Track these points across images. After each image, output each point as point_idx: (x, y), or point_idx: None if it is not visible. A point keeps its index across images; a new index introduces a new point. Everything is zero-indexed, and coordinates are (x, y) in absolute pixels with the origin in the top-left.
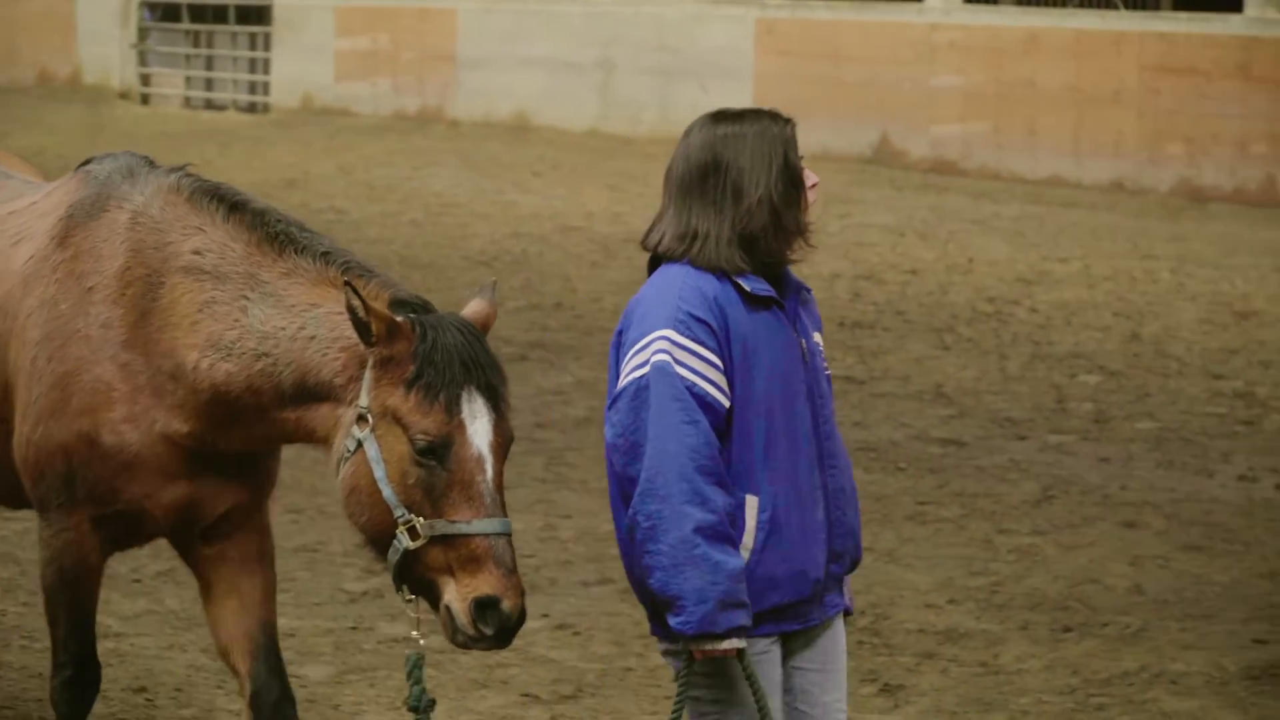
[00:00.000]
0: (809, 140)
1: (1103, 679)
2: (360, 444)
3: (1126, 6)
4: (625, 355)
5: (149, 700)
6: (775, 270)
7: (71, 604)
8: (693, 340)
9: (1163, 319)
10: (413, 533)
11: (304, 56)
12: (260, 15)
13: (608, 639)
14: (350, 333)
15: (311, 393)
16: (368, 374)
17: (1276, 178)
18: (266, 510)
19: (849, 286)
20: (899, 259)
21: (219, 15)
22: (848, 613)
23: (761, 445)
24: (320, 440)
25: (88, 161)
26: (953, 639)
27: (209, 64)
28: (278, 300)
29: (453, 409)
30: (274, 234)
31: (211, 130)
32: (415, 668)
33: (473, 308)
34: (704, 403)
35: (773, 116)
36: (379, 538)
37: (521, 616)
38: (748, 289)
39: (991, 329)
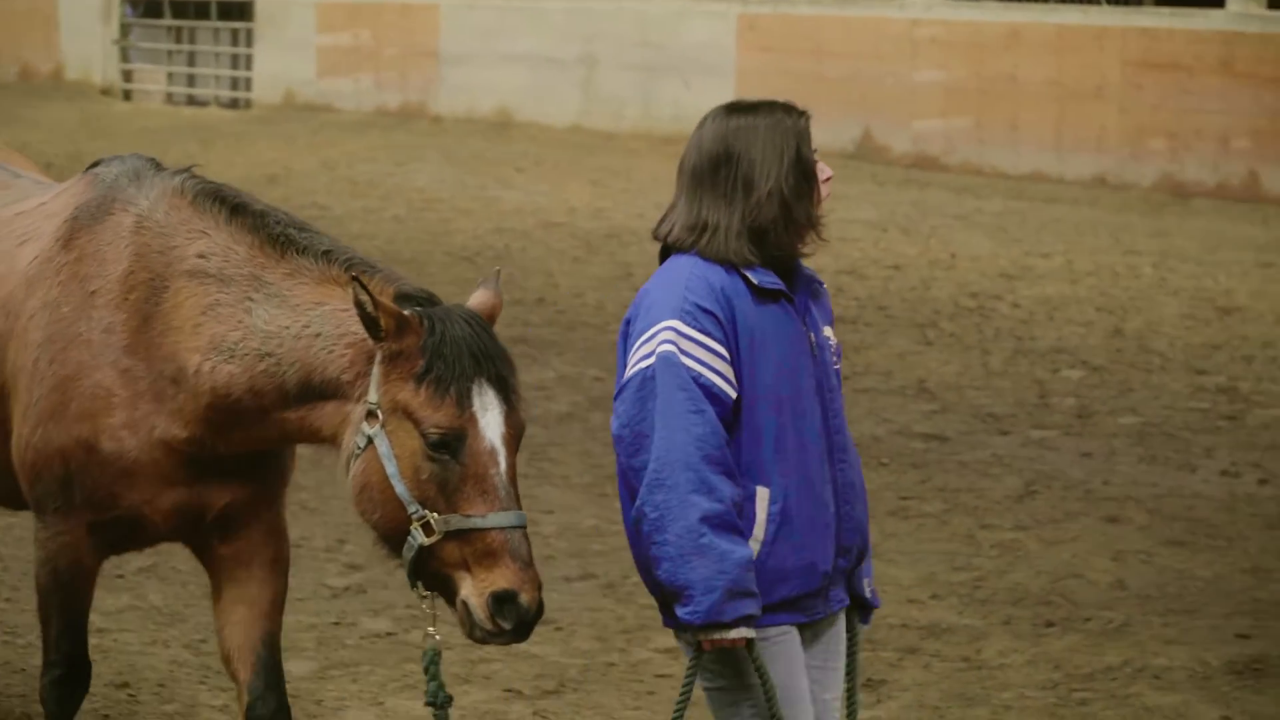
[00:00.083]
0: None
1: (1085, 674)
2: (370, 440)
3: (1109, 1)
4: (632, 345)
5: (131, 696)
6: (786, 263)
7: (64, 605)
8: (699, 331)
9: (1145, 314)
10: (427, 528)
11: (286, 52)
12: (242, 11)
13: (590, 634)
14: (356, 328)
15: (316, 391)
16: (376, 369)
17: (1259, 173)
18: (281, 511)
19: (831, 282)
20: (881, 254)
21: (201, 11)
22: (873, 607)
23: (772, 438)
24: (325, 439)
25: (96, 163)
26: (935, 634)
27: (191, 60)
28: (282, 300)
29: (464, 402)
30: (275, 236)
31: (193, 126)
32: (432, 663)
33: (478, 298)
34: (710, 393)
35: (786, 109)
36: (392, 534)
37: (540, 610)
38: (755, 282)
39: (974, 324)
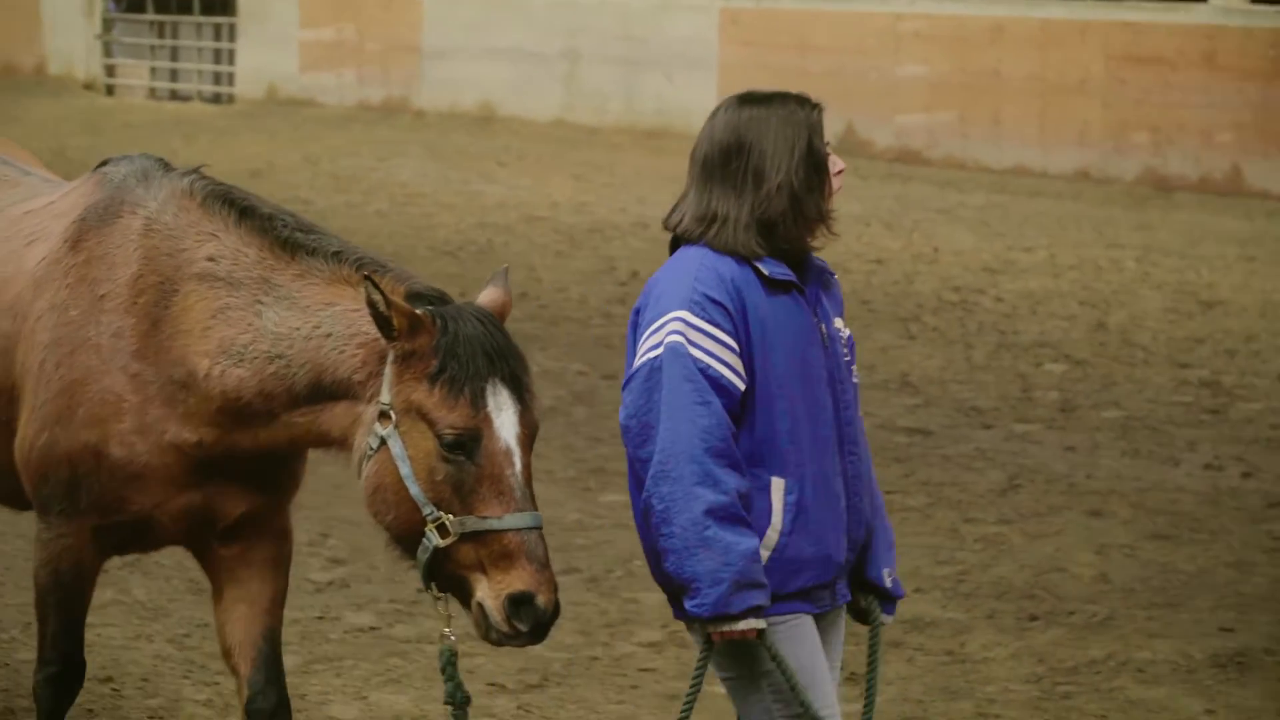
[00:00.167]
0: None
1: (1069, 667)
2: (384, 441)
3: None
4: (641, 335)
5: (115, 690)
6: (796, 255)
7: (63, 605)
8: (707, 322)
9: (1128, 308)
10: (442, 530)
11: (268, 47)
12: (225, 6)
13: (574, 628)
14: (368, 328)
15: (326, 391)
16: (388, 369)
17: (1242, 167)
18: (288, 512)
19: None
20: (864, 248)
21: (183, 6)
22: (896, 597)
23: (786, 428)
24: (334, 441)
25: (104, 163)
26: (919, 628)
27: (174, 55)
28: (292, 302)
29: (478, 402)
30: (284, 238)
31: (176, 121)
32: (449, 664)
33: (488, 296)
34: (718, 384)
35: (799, 100)
36: (406, 536)
37: (556, 611)
38: (766, 273)
39: (957, 318)
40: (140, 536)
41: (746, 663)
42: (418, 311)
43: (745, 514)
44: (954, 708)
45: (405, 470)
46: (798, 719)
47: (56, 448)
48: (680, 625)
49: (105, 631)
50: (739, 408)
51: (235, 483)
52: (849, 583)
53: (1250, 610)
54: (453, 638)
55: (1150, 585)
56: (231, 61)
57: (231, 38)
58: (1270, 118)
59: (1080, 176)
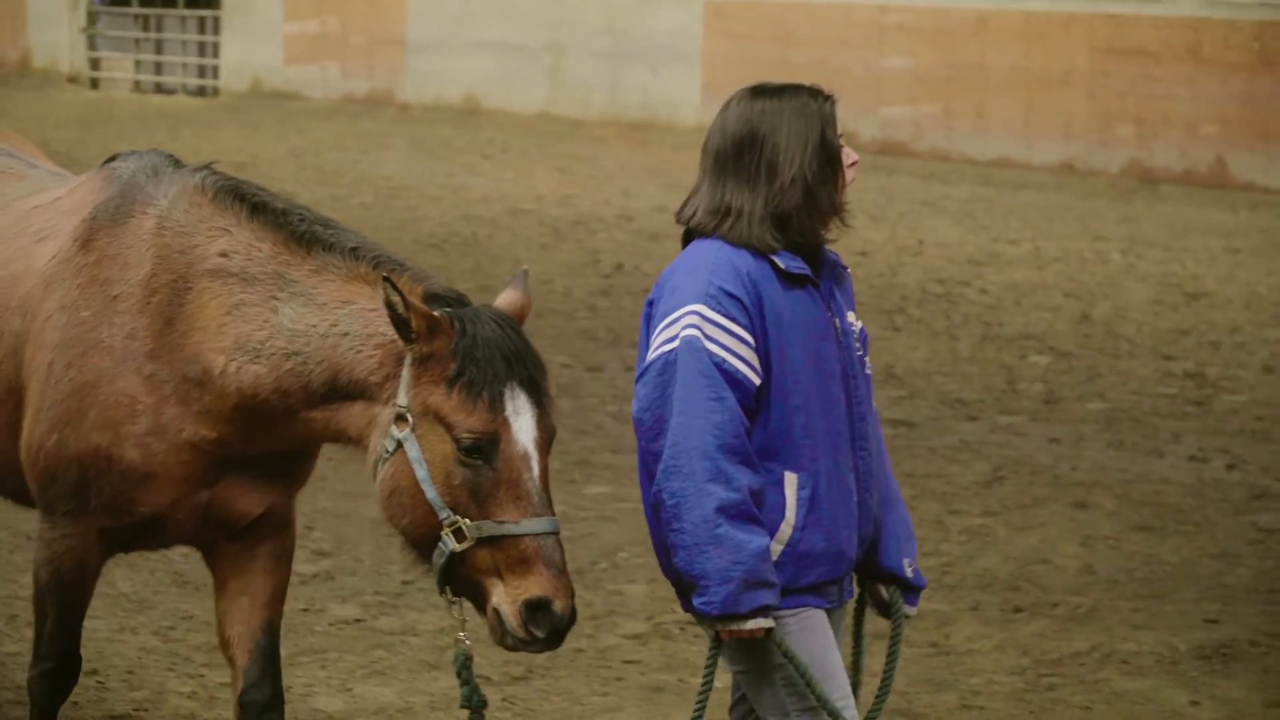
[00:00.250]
0: None
1: (1053, 659)
2: (400, 444)
3: None
4: (655, 328)
5: (100, 683)
6: (810, 248)
7: (63, 603)
8: (724, 316)
9: (1113, 300)
10: (459, 534)
11: (253, 40)
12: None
13: None
14: (385, 329)
15: (343, 391)
16: (406, 372)
17: (1226, 159)
18: (293, 505)
19: None
20: (849, 240)
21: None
22: (918, 587)
23: (801, 423)
24: (351, 440)
25: (113, 158)
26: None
27: (158, 48)
28: (308, 299)
29: (497, 406)
30: (299, 233)
31: (161, 114)
32: (464, 668)
33: (506, 298)
34: (733, 379)
35: (812, 92)
36: (422, 540)
37: (573, 617)
38: (783, 266)
39: (942, 310)
40: (149, 535)
41: (758, 657)
42: (436, 314)
43: (757, 511)
44: (938, 699)
45: (422, 474)
46: (812, 711)
47: (66, 449)
48: (665, 617)
49: (90, 624)
50: (754, 402)
51: (250, 478)
52: (862, 575)
53: (1235, 602)
54: (468, 642)
55: (1135, 577)
56: (216, 55)
57: (216, 31)
58: (1255, 110)
59: (1065, 169)
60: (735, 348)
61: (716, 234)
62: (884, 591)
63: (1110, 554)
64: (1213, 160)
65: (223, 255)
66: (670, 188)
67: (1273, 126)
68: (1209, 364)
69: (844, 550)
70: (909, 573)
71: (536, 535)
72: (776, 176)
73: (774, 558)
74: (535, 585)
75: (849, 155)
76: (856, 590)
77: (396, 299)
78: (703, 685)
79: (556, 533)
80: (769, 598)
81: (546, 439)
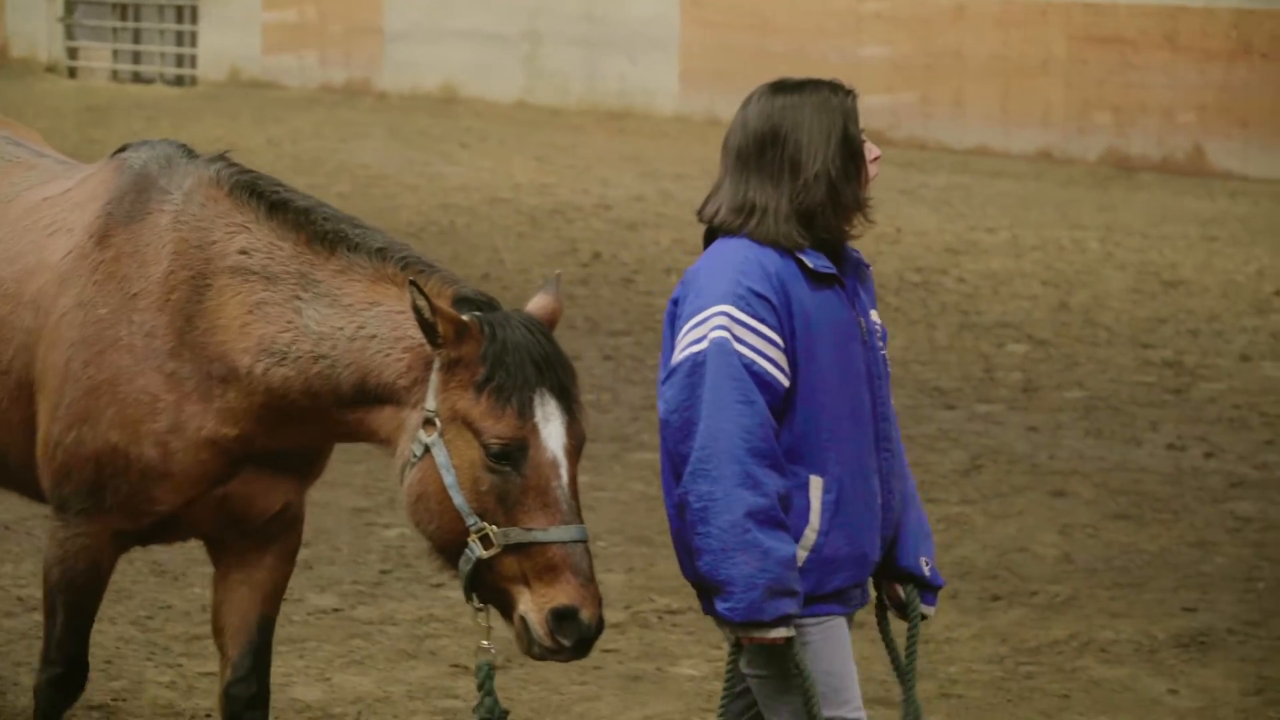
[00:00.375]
0: (732, 113)
1: (1032, 648)
2: (428, 449)
3: None
4: (680, 327)
5: None
6: (834, 245)
7: (73, 605)
8: (753, 317)
9: (1091, 288)
10: (486, 541)
11: (231, 29)
12: None
13: None
14: (413, 333)
15: (372, 395)
16: (434, 376)
17: (1204, 147)
18: (304, 500)
19: None
20: None
21: None
22: (936, 586)
23: (828, 425)
24: (381, 441)
25: (124, 148)
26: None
27: (136, 37)
28: (334, 300)
29: (526, 412)
30: (323, 232)
31: (139, 103)
32: (486, 678)
33: (538, 303)
34: (762, 381)
35: (833, 87)
36: (449, 546)
37: (600, 626)
38: (810, 265)
39: (919, 299)
40: (164, 532)
41: (778, 663)
42: (464, 318)
43: (784, 517)
44: (917, 688)
45: (449, 480)
46: None
47: (83, 447)
48: (643, 606)
49: None
50: (781, 404)
51: (268, 474)
52: (879, 575)
53: (1212, 590)
54: (492, 651)
55: (1113, 565)
56: (193, 44)
57: (193, 20)
58: (1232, 98)
59: (1042, 157)
60: (765, 349)
61: (742, 232)
62: (901, 591)
63: (1088, 542)
64: (1190, 148)
65: (243, 253)
66: (648, 176)
67: (1250, 114)
68: (1187, 352)
69: (867, 553)
70: (926, 571)
71: (564, 543)
72: (800, 173)
73: (799, 564)
74: (562, 594)
75: (871, 150)
76: (873, 593)
77: (423, 303)
78: (725, 689)
79: (585, 541)
80: (792, 607)
81: (576, 446)
